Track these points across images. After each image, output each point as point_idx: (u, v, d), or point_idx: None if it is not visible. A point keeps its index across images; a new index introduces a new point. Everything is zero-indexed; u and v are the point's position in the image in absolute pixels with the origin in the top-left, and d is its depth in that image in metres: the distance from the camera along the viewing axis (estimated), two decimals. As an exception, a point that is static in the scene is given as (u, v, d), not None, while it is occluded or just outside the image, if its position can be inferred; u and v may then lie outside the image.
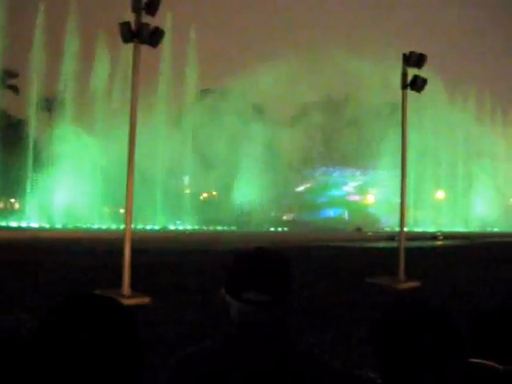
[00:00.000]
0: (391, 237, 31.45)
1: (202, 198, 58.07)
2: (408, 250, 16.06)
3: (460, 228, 53.32)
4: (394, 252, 16.31)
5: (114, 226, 40.48)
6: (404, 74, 16.07)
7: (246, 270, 1.79)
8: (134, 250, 12.14)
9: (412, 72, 16.11)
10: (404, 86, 16.08)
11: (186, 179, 55.86)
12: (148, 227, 44.08)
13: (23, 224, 43.43)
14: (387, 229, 46.53)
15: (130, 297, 11.20)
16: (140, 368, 1.36)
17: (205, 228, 49.21)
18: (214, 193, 58.09)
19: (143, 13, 12.12)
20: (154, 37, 12.28)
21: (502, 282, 14.65)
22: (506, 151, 61.91)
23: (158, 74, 50.42)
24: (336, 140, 59.90)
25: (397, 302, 1.82)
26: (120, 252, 11.94)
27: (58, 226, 42.92)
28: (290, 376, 1.72)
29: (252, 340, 1.75)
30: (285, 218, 61.04)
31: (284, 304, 1.80)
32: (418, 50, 16.05)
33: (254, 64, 59.71)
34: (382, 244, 30.51)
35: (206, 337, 1.84)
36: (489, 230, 52.01)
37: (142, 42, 12.21)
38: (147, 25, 12.10)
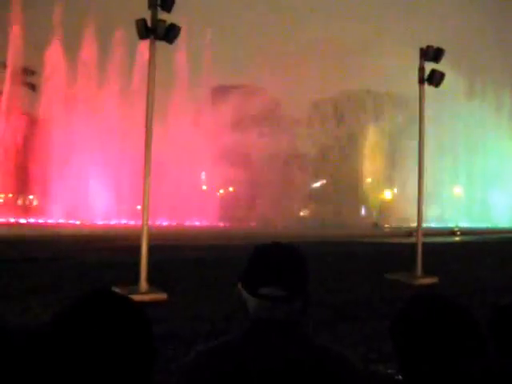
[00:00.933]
0: (409, 233, 31.27)
1: (218, 194, 58.14)
2: (426, 246, 15.95)
3: (478, 224, 52.87)
4: (411, 248, 16.21)
5: (132, 222, 40.71)
6: (421, 68, 15.95)
7: (263, 266, 1.78)
8: (151, 246, 12.19)
9: (430, 66, 15.98)
10: (421, 81, 15.96)
11: (203, 175, 56.03)
12: (165, 223, 44.27)
13: (42, 220, 43.85)
14: (405, 224, 46.23)
15: (146, 293, 11.26)
16: (150, 367, 1.36)
17: (222, 224, 49.29)
18: (231, 189, 58.10)
19: (159, 9, 12.15)
20: (169, 33, 12.30)
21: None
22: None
23: (173, 72, 50.53)
24: (356, 135, 59.65)
25: (413, 297, 1.80)
26: (137, 248, 12.00)
27: (77, 222, 43.28)
28: (307, 372, 1.70)
29: (268, 336, 1.74)
30: (301, 213, 60.92)
31: (300, 300, 1.78)
32: (436, 45, 15.94)
33: (269, 59, 59.69)
34: (399, 240, 30.32)
35: (222, 333, 1.83)
36: (506, 226, 51.43)
37: (158, 38, 12.23)
38: (163, 21, 12.12)
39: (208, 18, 54.40)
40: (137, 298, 10.77)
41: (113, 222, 45.13)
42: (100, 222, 43.88)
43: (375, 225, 51.51)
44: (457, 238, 37.07)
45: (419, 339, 1.67)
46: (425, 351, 1.66)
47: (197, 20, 52.18)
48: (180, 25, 12.52)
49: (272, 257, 1.80)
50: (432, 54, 15.65)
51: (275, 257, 1.80)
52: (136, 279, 11.57)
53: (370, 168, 61.25)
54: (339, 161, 59.29)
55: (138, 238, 12.12)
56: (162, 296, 11.22)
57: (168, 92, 47.93)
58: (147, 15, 12.24)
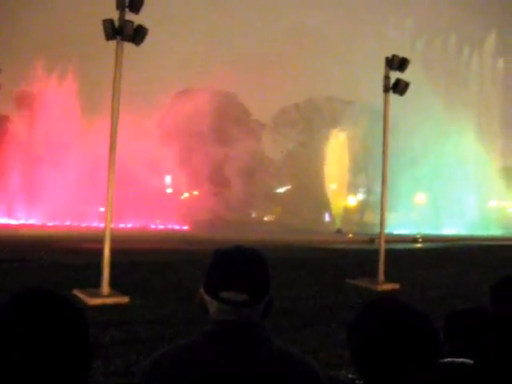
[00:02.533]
0: (371, 239, 31.59)
1: (183, 197, 57.86)
2: (388, 253, 16.14)
3: (439, 231, 53.72)
4: (374, 254, 16.38)
5: (95, 224, 40.20)
6: (386, 77, 16.16)
7: (224, 269, 1.78)
8: (114, 249, 12.05)
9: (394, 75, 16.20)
10: (386, 89, 16.17)
11: (168, 179, 55.74)
12: (129, 225, 43.86)
13: (8, 221, 43.01)
14: (367, 231, 46.71)
15: (108, 296, 11.13)
16: (85, 367, 1.34)
17: (186, 227, 49.07)
18: (195, 193, 57.88)
19: (127, 10, 12.06)
20: (137, 34, 12.21)
21: (478, 284, 14.75)
22: (483, 155, 62.50)
23: (140, 73, 50.17)
24: (320, 140, 60.10)
25: (368, 304, 1.82)
26: (100, 251, 11.85)
27: (41, 223, 42.57)
28: (267, 375, 1.71)
29: (229, 339, 1.75)
30: (266, 218, 61.07)
31: (262, 303, 1.79)
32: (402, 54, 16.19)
33: (235, 64, 59.82)
34: (362, 246, 30.62)
35: (184, 336, 1.83)
36: (468, 233, 52.39)
37: (125, 39, 12.13)
38: (131, 22, 12.02)
39: (175, 21, 54.11)
40: (99, 301, 10.65)
41: (74, 223, 44.48)
42: (55, 223, 43.20)
43: (338, 231, 51.92)
44: (418, 245, 37.58)
45: (373, 345, 1.68)
46: (380, 356, 1.67)
47: (164, 22, 51.93)
48: (148, 27, 12.45)
49: (233, 260, 1.80)
50: (397, 63, 15.88)
51: (236, 260, 1.80)
52: (98, 282, 11.43)
53: (334, 174, 61.81)
54: (304, 167, 59.61)
55: (101, 240, 11.98)
56: (124, 299, 11.11)
57: (134, 94, 47.55)
58: (115, 16, 12.14)
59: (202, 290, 1.82)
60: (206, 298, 1.80)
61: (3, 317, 1.28)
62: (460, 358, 2.20)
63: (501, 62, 65.93)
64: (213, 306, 1.78)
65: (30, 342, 1.24)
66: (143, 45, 12.65)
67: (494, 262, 21.36)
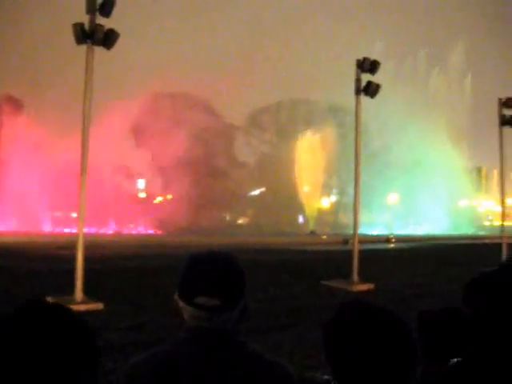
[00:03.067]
0: (345, 240, 31.80)
1: (156, 201, 57.53)
2: (362, 253, 16.27)
3: (412, 231, 54.31)
4: (348, 255, 16.49)
5: (67, 230, 39.72)
6: (358, 80, 16.30)
7: (198, 275, 1.78)
8: (87, 255, 11.94)
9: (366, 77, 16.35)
10: (358, 91, 16.31)
11: (141, 182, 55.40)
12: (102, 231, 43.42)
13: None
14: (341, 232, 46.99)
15: (82, 303, 11.02)
16: (94, 379, 1.34)
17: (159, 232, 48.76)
18: (169, 196, 57.57)
19: (97, 14, 11.97)
20: (108, 38, 12.12)
21: (451, 282, 14.93)
22: (454, 156, 63.42)
23: (112, 77, 49.75)
24: (292, 143, 60.31)
25: (342, 305, 1.83)
26: (73, 257, 11.72)
27: (9, 229, 41.88)
28: (241, 380, 1.71)
29: (203, 345, 1.74)
30: (240, 221, 61.04)
31: (236, 308, 1.79)
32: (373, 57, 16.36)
33: (207, 68, 59.78)
34: (336, 247, 30.79)
35: (159, 342, 1.83)
36: (440, 232, 53.08)
37: (96, 43, 12.03)
38: (101, 26, 11.93)
39: (147, 24, 53.86)
40: (72, 308, 10.51)
41: (47, 229, 43.89)
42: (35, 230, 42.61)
43: (312, 232, 52.13)
44: (392, 245, 37.94)
45: (347, 347, 1.69)
46: (352, 357, 1.67)
47: (136, 26, 51.59)
48: (119, 31, 12.37)
49: (207, 266, 1.79)
50: (368, 65, 16.04)
51: (210, 266, 1.79)
52: (71, 289, 11.30)
53: (307, 176, 62.08)
54: (277, 169, 59.72)
55: (74, 246, 11.85)
56: (98, 306, 11.00)
57: (105, 98, 47.15)
58: (86, 19, 12.03)
59: (176, 296, 1.81)
60: (181, 304, 1.79)
61: (7, 329, 1.26)
62: (432, 357, 2.23)
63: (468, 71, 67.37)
64: (187, 312, 1.77)
65: (37, 354, 1.23)
66: (115, 48, 12.57)
67: (465, 260, 21.68)
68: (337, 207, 59.63)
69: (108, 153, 45.01)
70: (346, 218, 44.63)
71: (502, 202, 23.60)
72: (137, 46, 51.87)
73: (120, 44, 12.57)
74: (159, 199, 58.13)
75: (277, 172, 59.40)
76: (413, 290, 14.59)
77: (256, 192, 62.66)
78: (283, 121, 62.98)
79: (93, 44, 12.02)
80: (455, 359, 1.98)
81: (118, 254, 22.81)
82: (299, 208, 61.11)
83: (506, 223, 22.23)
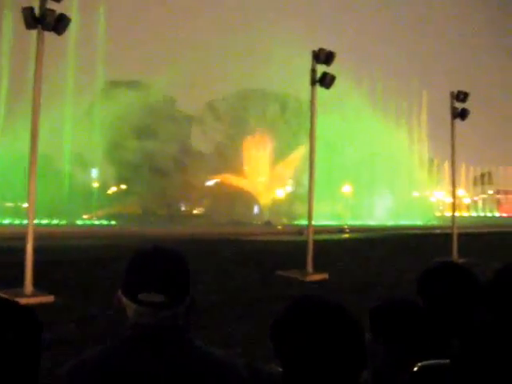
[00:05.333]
0: (300, 230, 32.00)
1: (110, 191, 56.74)
2: (316, 243, 16.38)
3: (365, 221, 55.10)
4: (302, 245, 16.59)
5: (17, 222, 38.80)
6: (313, 71, 16.34)
7: (142, 271, 1.72)
8: (37, 246, 11.66)
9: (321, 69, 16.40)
10: (313, 82, 16.36)
11: (95, 172, 54.52)
12: (54, 222, 42.56)
13: None
14: (296, 222, 47.32)
15: (32, 295, 10.77)
16: (36, 371, 1.29)
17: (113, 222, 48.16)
18: (123, 186, 56.87)
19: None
20: (59, 24, 11.79)
21: (404, 272, 15.20)
22: (408, 148, 64.67)
23: (64, 63, 48.68)
24: (248, 133, 60.36)
25: (291, 300, 1.81)
26: (22, 249, 11.43)
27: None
28: (189, 377, 1.67)
29: (148, 343, 1.69)
30: (195, 212, 60.84)
31: (182, 304, 1.74)
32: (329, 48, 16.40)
33: (165, 56, 59.16)
34: (291, 237, 30.97)
35: (111, 335, 1.76)
36: (393, 223, 53.99)
37: (46, 28, 11.69)
38: (52, 11, 11.60)
39: (101, 10, 52.80)
40: (22, 301, 10.23)
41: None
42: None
43: (267, 223, 52.33)
44: (346, 235, 38.39)
45: (293, 339, 1.68)
46: (299, 350, 1.66)
47: (89, 12, 50.52)
48: (71, 16, 12.07)
49: (151, 261, 1.74)
50: (324, 56, 16.08)
51: (155, 261, 1.74)
52: (20, 281, 11.02)
53: (262, 167, 62.30)
54: (233, 159, 59.66)
55: (23, 237, 11.56)
56: (48, 298, 10.77)
57: (57, 86, 46.12)
58: (36, 3, 11.68)
59: (119, 293, 1.75)
60: (124, 300, 1.73)
61: None
62: (389, 354, 2.22)
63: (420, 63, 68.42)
64: (131, 308, 1.72)
65: None
66: (68, 35, 12.28)
67: (418, 250, 22.14)
68: (292, 197, 59.91)
69: (60, 141, 44.19)
70: (301, 209, 44.89)
71: (453, 193, 24.16)
72: (91, 33, 50.79)
73: (73, 29, 12.28)
74: (113, 189, 57.35)
75: (232, 162, 59.38)
76: (366, 279, 14.79)
77: (211, 182, 62.48)
78: (239, 111, 62.85)
79: (43, 29, 11.69)
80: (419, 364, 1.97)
81: (70, 246, 22.40)
82: (254, 198, 61.27)
83: (457, 214, 22.75)
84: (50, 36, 12.07)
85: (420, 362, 1.97)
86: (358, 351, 1.69)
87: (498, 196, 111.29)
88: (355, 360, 1.68)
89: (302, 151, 44.24)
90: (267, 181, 62.26)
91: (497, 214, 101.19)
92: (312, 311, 1.72)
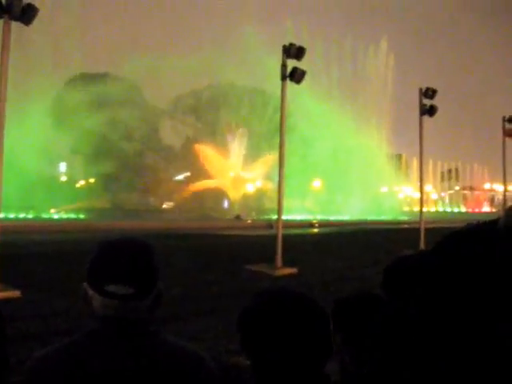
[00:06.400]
0: (270, 225, 32.06)
1: (78, 185, 56.06)
2: (286, 238, 16.44)
3: (335, 216, 55.48)
4: (272, 239, 16.63)
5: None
6: (284, 66, 16.36)
7: (108, 262, 1.69)
8: (3, 241, 11.48)
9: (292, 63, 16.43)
10: (283, 77, 16.38)
11: (63, 166, 53.83)
12: (20, 216, 41.93)
13: None
14: (266, 217, 47.39)
15: (-2, 290, 10.60)
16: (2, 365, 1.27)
17: (82, 216, 47.64)
18: (92, 180, 56.22)
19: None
20: (26, 13, 11.59)
21: (371, 266, 15.36)
22: (377, 143, 65.29)
23: (31, 55, 47.86)
24: (217, 128, 60.25)
25: (257, 293, 1.81)
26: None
27: None
28: (153, 371, 1.65)
29: (115, 335, 1.67)
30: (164, 206, 60.51)
31: (150, 296, 1.72)
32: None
33: (133, 48, 58.58)
34: (260, 232, 31.03)
35: (78, 330, 1.74)
36: (361, 218, 54.45)
37: (13, 18, 11.48)
38: (19, 0, 11.39)
39: (71, 2, 51.97)
40: (-13, 295, 10.11)
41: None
42: None
43: (237, 217, 52.32)
44: (315, 230, 38.59)
45: (261, 333, 1.70)
46: (268, 344, 1.68)
47: (57, 2, 49.77)
48: (38, 6, 11.86)
49: (117, 252, 1.72)
50: (294, 51, 16.12)
51: (121, 252, 1.72)
52: (-14, 276, 10.84)
53: (232, 162, 62.30)
54: (203, 154, 59.47)
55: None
56: (15, 293, 10.61)
57: (24, 78, 45.33)
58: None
59: (85, 284, 1.73)
60: (90, 292, 1.71)
61: None
62: (348, 346, 2.25)
63: (391, 60, 69.26)
64: (97, 300, 1.69)
65: None
66: (35, 25, 12.07)
67: (386, 245, 22.38)
68: (261, 192, 59.99)
69: (27, 135, 43.48)
70: (270, 203, 44.98)
71: (421, 189, 24.50)
72: (58, 24, 50.03)
73: (40, 20, 12.08)
74: (81, 183, 56.69)
75: (201, 157, 59.23)
76: (335, 274, 14.91)
77: (181, 176, 62.21)
78: (208, 105, 62.63)
79: (10, 19, 11.46)
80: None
81: (38, 240, 22.09)
82: (224, 193, 61.22)
83: (424, 209, 23.07)
84: (17, 26, 11.88)
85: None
86: (323, 340, 1.71)
87: (465, 192, 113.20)
88: (320, 349, 1.70)
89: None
90: (237, 175, 62.28)
91: (463, 210, 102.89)
92: (276, 301, 1.74)
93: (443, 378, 1.57)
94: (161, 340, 1.73)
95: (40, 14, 12.16)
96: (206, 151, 59.35)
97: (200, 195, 57.56)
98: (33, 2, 11.79)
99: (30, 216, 43.30)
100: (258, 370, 1.70)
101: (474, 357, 1.54)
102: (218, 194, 60.33)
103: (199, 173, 59.54)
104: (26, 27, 12.24)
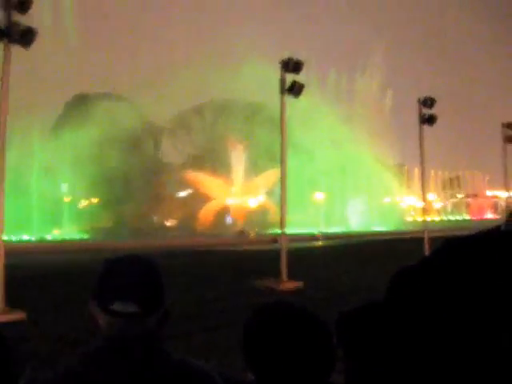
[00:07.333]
0: (274, 239, 32.03)
1: (81, 205, 56.08)
2: (290, 252, 16.41)
3: (338, 228, 55.39)
4: (277, 254, 16.60)
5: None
6: (282, 80, 16.44)
7: (114, 280, 1.69)
8: (8, 263, 11.47)
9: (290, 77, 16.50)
10: (282, 91, 16.45)
11: (65, 186, 53.87)
12: (24, 238, 41.95)
13: None
14: (270, 231, 47.34)
15: (3, 313, 10.58)
16: None
17: (85, 236, 47.64)
18: (94, 200, 56.25)
19: (14, 11, 11.50)
20: (25, 37, 11.67)
21: (377, 277, 15.28)
22: (378, 156, 65.26)
23: (32, 76, 48.09)
24: (218, 144, 60.33)
25: (257, 309, 1.81)
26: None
27: None
28: None
29: (122, 354, 1.65)
30: (168, 223, 60.49)
31: (156, 315, 1.71)
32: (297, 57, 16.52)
33: (131, 70, 58.86)
34: (265, 246, 30.98)
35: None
36: (365, 229, 54.36)
37: (13, 41, 11.56)
38: (17, 24, 11.48)
39: (70, 21, 52.27)
40: (-8, 319, 10.09)
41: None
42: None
43: (241, 232, 52.28)
44: (319, 243, 38.53)
45: (262, 348, 1.69)
46: (269, 359, 1.67)
47: (58, 23, 50.15)
48: (38, 27, 11.93)
49: (123, 270, 1.71)
50: (292, 65, 16.20)
51: (127, 270, 1.71)
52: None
53: (235, 177, 62.36)
54: (205, 170, 59.53)
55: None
56: (20, 315, 10.58)
57: (25, 99, 45.56)
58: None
59: (91, 304, 1.72)
60: (96, 311, 1.70)
61: None
62: (350, 361, 2.24)
63: (390, 70, 69.56)
64: (103, 319, 1.68)
65: None
66: (35, 48, 12.14)
67: (391, 255, 22.29)
68: (265, 207, 59.94)
69: (29, 155, 43.62)
70: (273, 217, 44.91)
71: (424, 198, 24.47)
72: (59, 45, 50.34)
73: (39, 43, 12.16)
74: (83, 203, 56.72)
75: (204, 173, 59.25)
76: (341, 287, 14.84)
77: (183, 193, 62.22)
78: (210, 122, 62.82)
79: (9, 42, 11.55)
80: None
81: (41, 261, 22.07)
82: (227, 209, 61.21)
83: (428, 218, 23.03)
84: (17, 49, 11.95)
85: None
86: (325, 353, 1.71)
87: (468, 199, 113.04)
88: (322, 361, 1.69)
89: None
90: (240, 191, 62.30)
91: (467, 217, 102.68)
92: (276, 316, 1.74)
93: None
94: (168, 358, 1.72)
95: (40, 34, 12.25)
96: (199, 178, 59.29)
97: (202, 212, 57.71)
98: (32, 24, 11.88)
99: (34, 238, 43.33)
100: None
101: (480, 368, 1.53)
102: (221, 210, 60.31)
103: (202, 189, 59.58)
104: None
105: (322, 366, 1.69)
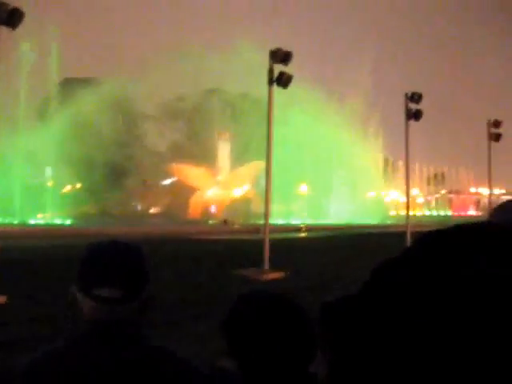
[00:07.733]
0: (257, 229, 32.06)
1: (65, 190, 55.68)
2: (273, 242, 16.45)
3: (321, 220, 55.53)
4: (259, 244, 16.64)
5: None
6: (270, 70, 16.40)
7: (97, 265, 1.69)
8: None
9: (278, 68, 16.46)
10: (270, 82, 16.42)
11: (49, 171, 53.50)
12: (6, 221, 41.58)
13: None
14: (253, 221, 47.37)
15: (-17, 296, 10.53)
16: None
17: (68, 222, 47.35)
18: (78, 186, 55.89)
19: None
20: (12, 18, 11.56)
21: (359, 269, 15.37)
22: (363, 149, 65.43)
23: (17, 60, 47.53)
24: (203, 133, 60.13)
25: (240, 296, 1.83)
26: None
27: None
28: (140, 374, 1.66)
29: (101, 339, 1.67)
30: (152, 211, 60.33)
31: (139, 300, 1.72)
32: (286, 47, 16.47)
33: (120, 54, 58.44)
34: (248, 236, 31.00)
35: (63, 336, 1.74)
36: (349, 222, 54.53)
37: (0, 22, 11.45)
38: (5, 4, 11.36)
39: (58, 5, 51.86)
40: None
41: None
42: None
43: (225, 222, 52.28)
44: (303, 234, 38.63)
45: (243, 335, 1.71)
46: (251, 345, 1.70)
47: (45, 6, 49.58)
48: (25, 10, 11.82)
49: (106, 255, 1.72)
50: (281, 56, 16.16)
51: (110, 255, 1.72)
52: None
53: (221, 166, 62.26)
54: (190, 158, 59.32)
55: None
56: (1, 299, 10.54)
57: (10, 83, 45.05)
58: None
59: (73, 288, 1.73)
60: (79, 296, 1.71)
61: None
62: (334, 351, 2.25)
63: (376, 64, 69.50)
64: (85, 304, 1.69)
65: None
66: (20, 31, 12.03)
67: (373, 248, 22.42)
68: (249, 197, 59.96)
69: (13, 140, 43.20)
70: (258, 208, 44.96)
71: (407, 193, 24.62)
72: (44, 29, 49.76)
73: (27, 25, 12.05)
74: (67, 188, 56.34)
75: (189, 161, 59.07)
76: (323, 278, 14.93)
77: (168, 181, 62.06)
78: (196, 110, 62.55)
79: (-4, 23, 11.44)
80: None
81: (23, 246, 21.92)
82: (211, 198, 61.15)
83: (411, 212, 23.20)
84: (2, 31, 11.83)
85: None
86: (305, 340, 1.73)
87: (451, 195, 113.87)
88: (303, 349, 1.72)
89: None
90: (225, 181, 62.24)
91: (449, 213, 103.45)
92: (256, 303, 1.76)
93: None
94: (150, 345, 1.73)
95: (26, 19, 12.13)
96: (183, 167, 59.11)
97: (187, 200, 57.57)
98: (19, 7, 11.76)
99: (16, 222, 42.98)
100: (245, 372, 1.72)
101: (459, 358, 1.55)
102: (205, 200, 60.25)
103: (186, 177, 59.45)
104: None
105: (302, 353, 1.71)
